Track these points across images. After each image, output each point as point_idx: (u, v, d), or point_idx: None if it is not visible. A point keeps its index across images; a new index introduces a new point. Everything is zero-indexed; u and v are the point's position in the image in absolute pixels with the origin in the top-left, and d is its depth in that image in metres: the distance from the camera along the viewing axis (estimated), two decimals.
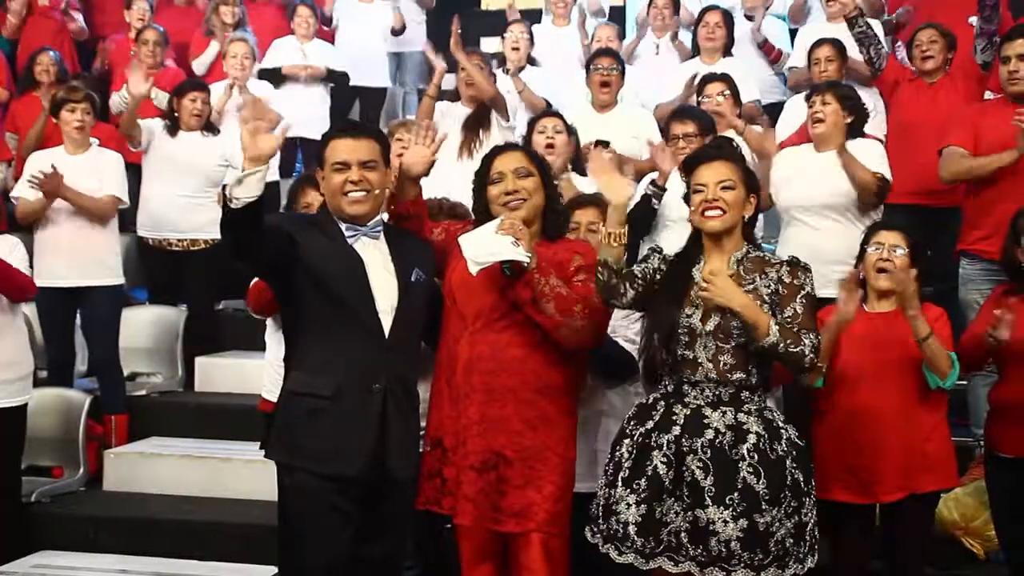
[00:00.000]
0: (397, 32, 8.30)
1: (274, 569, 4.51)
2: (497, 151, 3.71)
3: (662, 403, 3.40)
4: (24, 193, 5.67)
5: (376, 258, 3.46)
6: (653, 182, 4.96)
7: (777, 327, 3.26)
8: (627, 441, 3.40)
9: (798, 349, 3.26)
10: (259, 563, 4.69)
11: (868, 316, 3.96)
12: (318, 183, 3.57)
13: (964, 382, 4.88)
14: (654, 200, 4.91)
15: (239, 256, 3.35)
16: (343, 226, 3.44)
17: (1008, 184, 4.85)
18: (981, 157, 4.96)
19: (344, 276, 3.39)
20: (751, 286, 3.34)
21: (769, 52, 7.27)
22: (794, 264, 3.40)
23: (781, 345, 3.24)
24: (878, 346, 3.89)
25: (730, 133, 5.21)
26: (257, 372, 4.51)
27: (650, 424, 3.37)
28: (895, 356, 3.87)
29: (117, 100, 7.18)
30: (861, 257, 4.05)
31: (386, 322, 3.40)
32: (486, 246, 3.41)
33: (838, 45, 6.10)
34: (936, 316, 3.94)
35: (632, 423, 3.43)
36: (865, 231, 4.18)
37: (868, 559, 3.97)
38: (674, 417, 3.35)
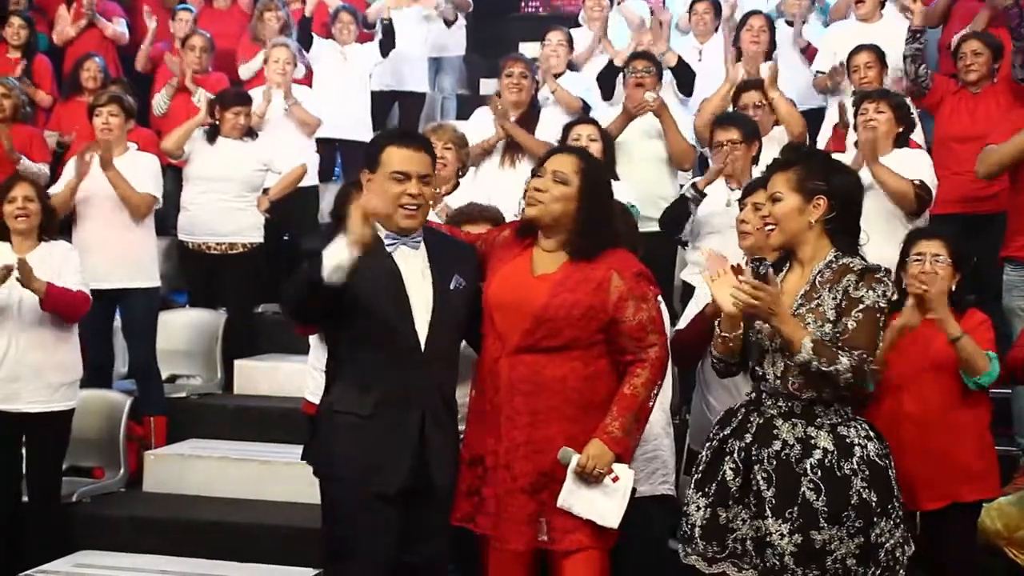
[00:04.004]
0: (450, 23, 8.37)
1: (313, 571, 4.56)
2: (559, 150, 3.66)
3: (743, 410, 3.41)
4: (56, 188, 5.73)
5: (415, 266, 3.42)
6: (694, 185, 4.93)
7: (812, 344, 3.12)
8: (707, 444, 3.43)
9: (831, 368, 3.12)
10: (298, 565, 4.71)
11: None
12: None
13: (1008, 391, 4.84)
14: (691, 204, 4.89)
15: (303, 319, 3.47)
16: (383, 234, 3.40)
17: None
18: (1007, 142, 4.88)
19: (382, 293, 3.36)
20: (816, 303, 3.24)
21: (812, 57, 7.21)
22: (864, 272, 3.23)
23: (814, 363, 3.12)
24: (919, 352, 3.88)
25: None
26: (295, 375, 4.52)
27: (728, 430, 3.39)
28: (936, 363, 3.87)
29: (159, 101, 7.25)
30: (902, 265, 4.02)
31: (422, 332, 3.38)
32: (604, 511, 3.32)
33: (877, 51, 6.04)
34: (980, 321, 3.93)
35: (716, 427, 3.46)
36: (904, 238, 4.14)
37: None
38: (748, 425, 3.34)
